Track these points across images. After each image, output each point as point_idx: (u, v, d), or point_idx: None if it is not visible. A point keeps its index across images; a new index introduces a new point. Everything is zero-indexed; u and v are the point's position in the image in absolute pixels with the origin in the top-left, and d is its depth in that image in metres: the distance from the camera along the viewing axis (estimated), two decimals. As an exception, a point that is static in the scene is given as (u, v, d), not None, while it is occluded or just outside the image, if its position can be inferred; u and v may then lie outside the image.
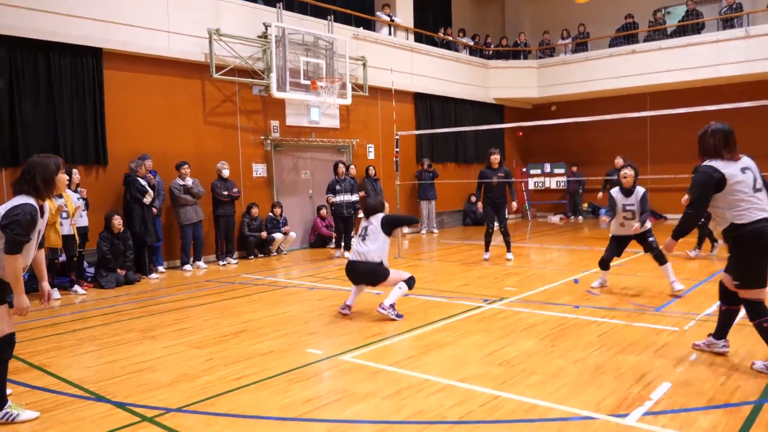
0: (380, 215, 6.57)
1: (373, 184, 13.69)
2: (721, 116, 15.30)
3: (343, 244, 11.62)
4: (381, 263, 6.37)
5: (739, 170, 4.35)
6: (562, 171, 19.01)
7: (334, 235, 11.74)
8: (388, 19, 15.55)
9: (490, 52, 18.92)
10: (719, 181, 4.31)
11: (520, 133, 20.11)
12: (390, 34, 15.58)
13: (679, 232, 4.61)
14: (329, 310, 6.96)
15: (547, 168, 19.23)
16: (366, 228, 6.55)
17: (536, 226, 17.02)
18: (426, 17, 18.06)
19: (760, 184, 4.40)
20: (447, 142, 17.02)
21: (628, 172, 7.35)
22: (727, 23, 15.66)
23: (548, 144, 19.72)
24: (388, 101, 14.39)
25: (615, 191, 7.47)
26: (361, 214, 7.04)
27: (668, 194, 17.54)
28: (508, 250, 10.53)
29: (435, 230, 15.74)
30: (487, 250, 10.54)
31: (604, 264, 7.58)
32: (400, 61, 15.37)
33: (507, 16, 20.97)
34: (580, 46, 18.30)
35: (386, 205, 6.83)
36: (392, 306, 6.35)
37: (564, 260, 10.79)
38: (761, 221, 4.26)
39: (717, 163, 4.37)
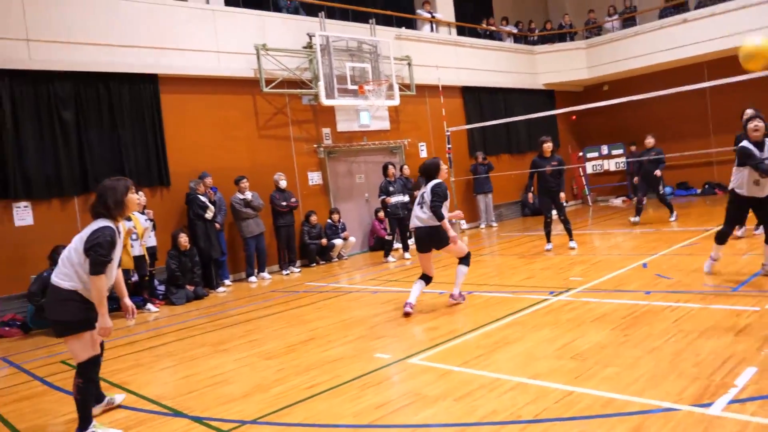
0: (433, 182, 6.60)
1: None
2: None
3: (401, 245, 11.60)
4: (440, 226, 6.49)
5: None
6: (621, 152, 18.43)
7: (389, 237, 11.60)
8: (429, 16, 15.46)
9: (536, 38, 18.54)
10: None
11: (573, 117, 19.59)
12: (432, 30, 15.48)
13: None
14: (394, 313, 6.95)
15: (605, 150, 18.69)
16: (422, 195, 6.66)
17: (598, 211, 16.57)
18: (466, 10, 17.84)
19: None
20: (498, 134, 16.77)
21: (759, 124, 6.29)
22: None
23: (603, 125, 19.14)
24: (436, 98, 14.30)
25: (747, 143, 6.38)
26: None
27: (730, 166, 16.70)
28: (571, 239, 10.28)
29: (494, 223, 15.53)
30: (548, 240, 10.32)
31: (723, 238, 6.66)
32: (444, 56, 15.25)
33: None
34: (628, 21, 17.69)
35: (443, 167, 6.76)
36: (461, 294, 6.93)
37: (629, 245, 10.44)
38: None
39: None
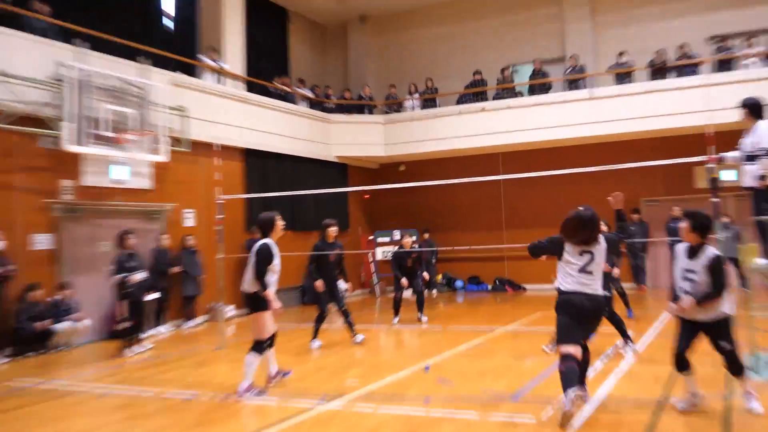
0: (260, 242, 7.04)
1: (192, 257, 13.01)
2: (573, 178, 16.48)
3: (141, 334, 10.58)
4: (255, 293, 7.01)
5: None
6: (414, 238, 19.43)
7: (126, 325, 10.35)
8: (215, 64, 15.28)
9: (332, 106, 19.23)
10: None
11: (367, 196, 20.41)
12: (218, 81, 15.28)
13: None
14: (121, 425, 6.23)
15: (397, 235, 19.58)
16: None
17: (386, 303, 17.09)
18: (260, 65, 18.02)
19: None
20: (283, 207, 16.60)
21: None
22: (572, 84, 17.27)
23: (397, 208, 20.17)
24: (211, 159, 13.94)
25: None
26: None
27: (525, 263, 18.55)
28: (353, 333, 10.39)
29: (270, 309, 15.20)
30: (315, 336, 10.35)
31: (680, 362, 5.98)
32: (228, 112, 15.08)
33: (350, 66, 21.58)
34: (429, 102, 19.17)
35: (278, 223, 7.23)
36: (251, 387, 7.02)
37: (415, 343, 10.84)
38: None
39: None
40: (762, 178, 7.11)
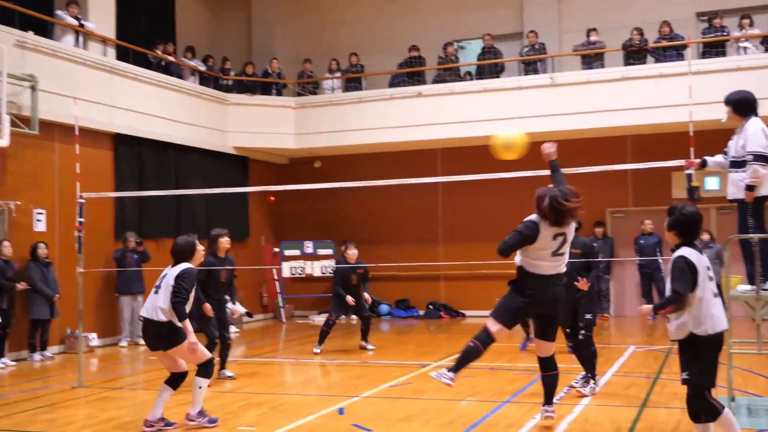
0: (182, 267, 7.57)
1: (43, 271, 12.65)
2: (527, 182, 16.89)
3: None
4: (169, 324, 7.40)
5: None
6: (330, 252, 19.47)
7: None
8: (75, 22, 14.91)
9: (230, 83, 19.03)
10: None
11: (272, 198, 20.29)
12: (78, 45, 14.92)
13: None
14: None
15: (309, 248, 19.54)
16: (163, 278, 7.60)
17: (294, 330, 17.01)
18: (136, 27, 17.69)
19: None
20: (165, 209, 16.48)
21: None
22: (530, 67, 17.65)
23: (311, 214, 20.13)
24: (71, 145, 13.59)
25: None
26: None
27: (464, 284, 18.82)
28: (222, 367, 10.50)
29: (141, 340, 14.93)
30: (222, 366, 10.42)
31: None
32: (92, 86, 14.71)
33: (254, 34, 21.44)
34: (352, 83, 19.24)
35: (199, 249, 7.90)
36: (201, 413, 7.66)
37: (328, 381, 10.90)
38: None
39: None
40: (749, 188, 7.40)
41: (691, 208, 5.71)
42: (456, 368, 6.95)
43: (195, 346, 7.46)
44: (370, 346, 13.17)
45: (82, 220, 10.70)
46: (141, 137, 15.99)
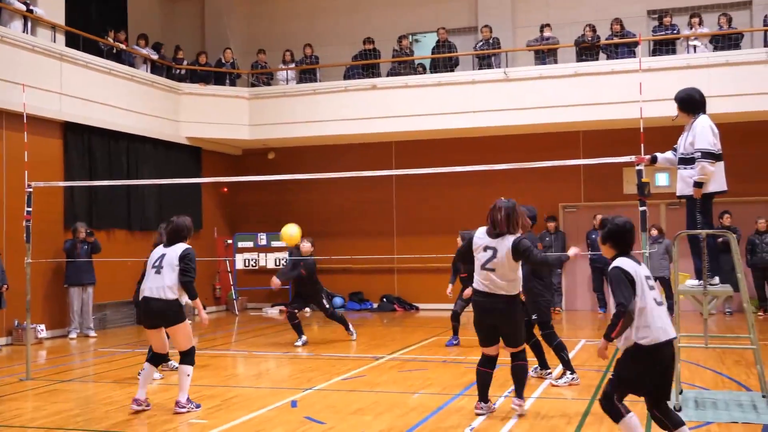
0: (182, 248, 7.99)
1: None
2: (481, 176, 17.06)
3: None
4: (174, 302, 7.84)
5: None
6: (284, 244, 19.37)
7: None
8: (23, 8, 14.63)
9: (183, 72, 18.84)
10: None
11: (225, 189, 20.17)
12: (26, 31, 14.65)
13: None
14: None
15: (263, 240, 19.45)
16: (161, 258, 7.97)
17: (247, 323, 16.94)
18: (87, 13, 17.41)
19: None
20: (115, 200, 16.29)
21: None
22: (484, 61, 17.77)
23: (264, 206, 20.04)
24: (20, 133, 13.35)
25: None
26: None
27: (418, 277, 18.93)
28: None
29: (92, 332, 14.78)
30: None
31: None
32: (41, 73, 14.48)
33: (208, 23, 21.24)
34: (307, 74, 19.18)
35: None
36: (189, 400, 7.90)
37: (280, 374, 10.90)
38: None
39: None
40: (697, 185, 7.55)
41: (623, 219, 5.57)
42: (481, 397, 7.60)
43: (206, 323, 8.32)
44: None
45: (30, 209, 10.53)
46: (91, 126, 15.78)
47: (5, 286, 13.03)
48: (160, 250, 8.06)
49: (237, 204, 20.62)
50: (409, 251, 18.56)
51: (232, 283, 19.38)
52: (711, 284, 7.65)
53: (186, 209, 18.10)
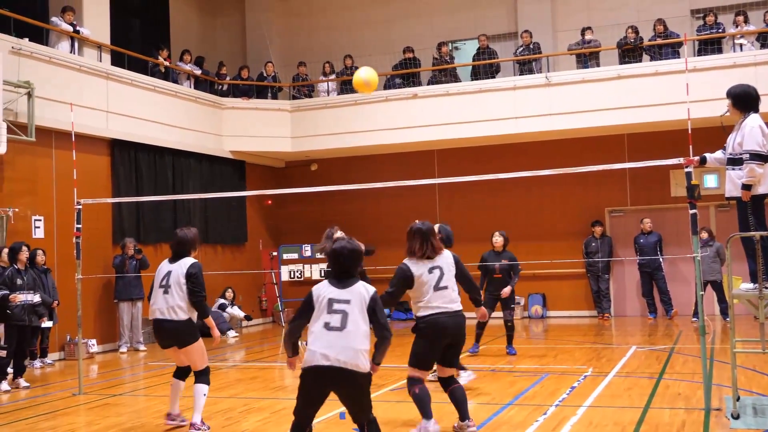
0: (188, 262, 7.68)
1: (41, 278, 12.60)
2: (525, 182, 16.85)
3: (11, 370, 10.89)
4: (188, 321, 7.57)
5: (426, 270, 7.13)
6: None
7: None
8: (70, 29, 14.87)
9: (225, 87, 18.99)
10: (409, 279, 7.12)
11: (269, 202, 20.26)
12: (73, 51, 14.88)
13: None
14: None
15: (308, 251, 19.49)
16: (168, 275, 7.65)
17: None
18: (131, 31, 17.66)
19: (444, 282, 7.15)
20: (162, 214, 16.44)
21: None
22: (525, 66, 17.64)
23: (308, 217, 20.06)
24: (69, 151, 13.56)
25: None
26: None
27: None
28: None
29: (141, 346, 14.91)
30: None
31: None
32: (88, 92, 14.69)
33: (249, 38, 21.41)
34: (348, 85, 19.18)
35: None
36: (203, 421, 7.60)
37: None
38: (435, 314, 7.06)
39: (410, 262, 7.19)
40: (745, 187, 7.35)
41: (338, 244, 5.79)
42: (425, 415, 7.08)
43: (218, 341, 8.21)
44: None
45: (80, 226, 10.66)
46: (137, 142, 15.95)
47: (56, 302, 13.19)
48: (166, 266, 7.75)
49: (281, 216, 20.70)
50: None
51: (277, 294, 19.41)
52: (766, 287, 7.46)
53: (231, 222, 18.46)
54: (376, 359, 5.56)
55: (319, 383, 5.38)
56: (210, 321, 7.75)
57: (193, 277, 7.53)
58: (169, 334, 7.64)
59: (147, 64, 16.97)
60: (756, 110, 7.57)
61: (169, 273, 7.60)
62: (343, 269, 5.65)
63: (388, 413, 8.33)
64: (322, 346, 5.32)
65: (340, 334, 5.32)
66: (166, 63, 17.46)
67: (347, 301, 5.44)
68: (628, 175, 17.58)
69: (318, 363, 5.29)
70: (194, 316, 7.67)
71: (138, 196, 15.04)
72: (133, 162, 15.95)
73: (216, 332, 7.91)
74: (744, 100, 7.61)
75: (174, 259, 7.71)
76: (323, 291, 5.56)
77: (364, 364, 5.33)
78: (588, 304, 17.70)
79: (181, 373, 7.95)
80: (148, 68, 16.93)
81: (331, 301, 5.46)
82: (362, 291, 5.52)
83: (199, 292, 7.54)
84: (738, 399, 7.42)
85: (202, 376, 7.70)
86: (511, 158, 17.53)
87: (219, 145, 18.45)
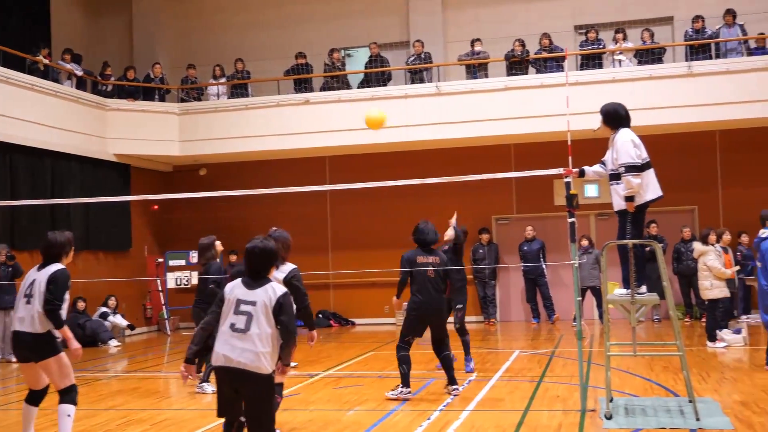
0: (54, 268, 7.01)
1: None
2: (414, 189, 17.10)
3: None
4: (46, 334, 6.88)
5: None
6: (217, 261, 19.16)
7: None
8: (-59, 23, 14.26)
9: (110, 88, 18.54)
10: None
11: (155, 207, 19.87)
12: (-55, 47, 14.28)
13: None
14: None
15: (194, 257, 19.19)
16: (31, 284, 6.99)
17: (179, 342, 16.69)
18: (8, 27, 17.02)
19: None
20: (38, 220, 15.89)
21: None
22: (416, 75, 17.91)
23: (196, 223, 19.73)
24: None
25: None
26: None
27: (354, 292, 18.91)
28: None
29: (12, 357, 14.36)
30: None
31: None
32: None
33: (136, 38, 20.94)
34: (238, 89, 19.06)
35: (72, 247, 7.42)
36: None
37: (214, 394, 10.72)
38: None
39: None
40: (628, 199, 7.72)
41: (250, 243, 5.76)
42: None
43: (79, 352, 7.02)
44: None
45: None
46: (12, 143, 15.36)
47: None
48: (32, 274, 7.09)
49: (168, 222, 20.31)
50: (344, 266, 18.49)
51: (163, 302, 19.05)
52: (638, 293, 7.82)
53: (114, 228, 18.03)
54: (282, 359, 5.60)
55: (225, 381, 5.45)
56: (65, 331, 6.95)
57: (52, 284, 6.89)
58: (27, 346, 6.95)
59: (25, 62, 16.39)
60: (626, 126, 7.96)
61: (33, 281, 6.99)
62: (255, 269, 5.64)
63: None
64: (225, 348, 5.39)
65: (243, 336, 5.37)
66: (46, 61, 16.90)
67: (253, 303, 5.47)
68: (514, 183, 18.05)
69: (221, 364, 5.38)
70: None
71: (13, 200, 14.49)
72: (8, 164, 15.33)
73: (74, 344, 7.02)
74: (613, 117, 8.07)
75: (42, 266, 7.10)
76: (234, 291, 5.58)
77: (265, 366, 5.35)
78: (475, 310, 18.02)
79: (34, 397, 7.21)
80: (26, 66, 16.36)
81: (239, 302, 5.50)
82: (269, 292, 5.52)
83: (54, 299, 6.85)
84: (611, 400, 7.74)
85: (66, 395, 6.99)
86: (402, 166, 17.76)
87: (103, 148, 17.97)
